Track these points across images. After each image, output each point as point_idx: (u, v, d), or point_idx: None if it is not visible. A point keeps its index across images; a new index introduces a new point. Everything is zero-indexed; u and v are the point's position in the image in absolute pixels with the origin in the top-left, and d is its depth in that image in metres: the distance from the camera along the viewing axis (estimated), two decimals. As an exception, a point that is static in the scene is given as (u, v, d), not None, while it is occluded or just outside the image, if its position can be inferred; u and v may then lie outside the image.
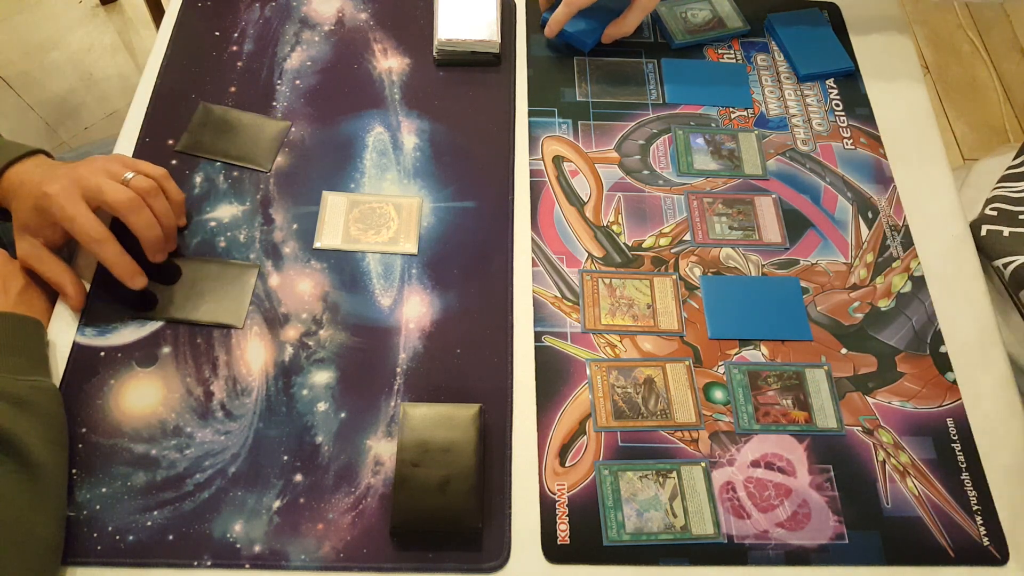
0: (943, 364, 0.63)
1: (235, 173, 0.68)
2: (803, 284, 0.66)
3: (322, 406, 0.58)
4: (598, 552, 0.54)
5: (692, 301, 0.64)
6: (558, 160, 0.71)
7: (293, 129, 0.71)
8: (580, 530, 0.54)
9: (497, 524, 0.54)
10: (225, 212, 0.66)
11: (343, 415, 0.57)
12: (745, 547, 0.54)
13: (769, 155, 0.73)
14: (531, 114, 0.73)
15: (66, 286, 0.59)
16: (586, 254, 0.66)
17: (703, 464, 0.57)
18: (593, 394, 0.59)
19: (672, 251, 0.67)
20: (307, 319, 0.61)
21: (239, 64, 0.74)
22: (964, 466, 0.58)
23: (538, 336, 0.62)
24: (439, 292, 0.63)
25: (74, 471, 0.54)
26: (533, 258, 0.65)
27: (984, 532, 0.56)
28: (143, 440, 0.55)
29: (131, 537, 0.52)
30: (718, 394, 0.60)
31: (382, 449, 0.56)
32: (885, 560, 0.55)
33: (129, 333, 0.59)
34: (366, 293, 0.63)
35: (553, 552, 0.54)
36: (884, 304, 0.65)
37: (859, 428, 0.59)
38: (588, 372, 0.60)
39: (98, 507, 0.53)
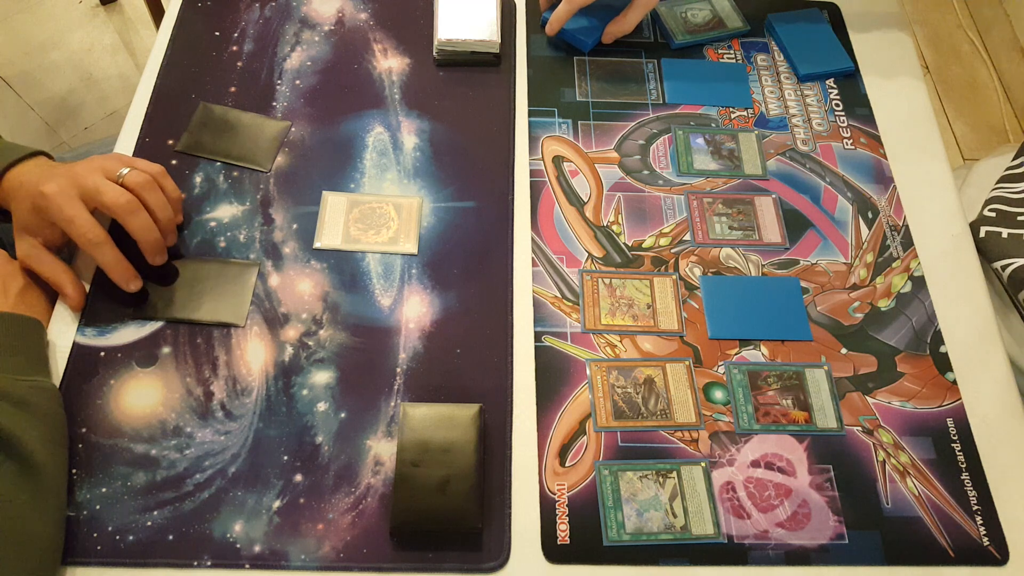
0: (943, 364, 0.63)
1: (235, 173, 0.68)
2: (803, 284, 0.66)
3: (322, 406, 0.58)
4: (598, 552, 0.54)
5: (692, 301, 0.64)
6: (558, 160, 0.71)
7: (293, 129, 0.71)
8: (580, 530, 0.54)
9: (497, 524, 0.54)
10: (225, 212, 0.66)
11: (343, 415, 0.57)
12: (745, 547, 0.54)
13: (769, 155, 0.73)
14: (531, 114, 0.73)
15: (66, 286, 0.59)
16: (586, 254, 0.66)
17: (703, 464, 0.57)
18: (593, 394, 0.59)
19: (672, 251, 0.67)
20: (307, 319, 0.61)
21: (239, 64, 0.74)
22: (964, 466, 0.58)
23: (538, 336, 0.62)
24: (439, 292, 0.63)
25: (74, 471, 0.54)
26: (533, 258, 0.65)
27: (984, 532, 0.56)
28: (143, 440, 0.55)
29: (131, 537, 0.52)
30: (718, 394, 0.60)
31: (382, 449, 0.56)
32: (885, 560, 0.55)
33: (129, 333, 0.59)
34: (366, 293, 0.63)
35: (553, 552, 0.54)
36: (884, 304, 0.65)
37: (859, 428, 0.59)
38: (588, 372, 0.60)
39: (98, 507, 0.53)
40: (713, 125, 0.74)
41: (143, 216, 0.58)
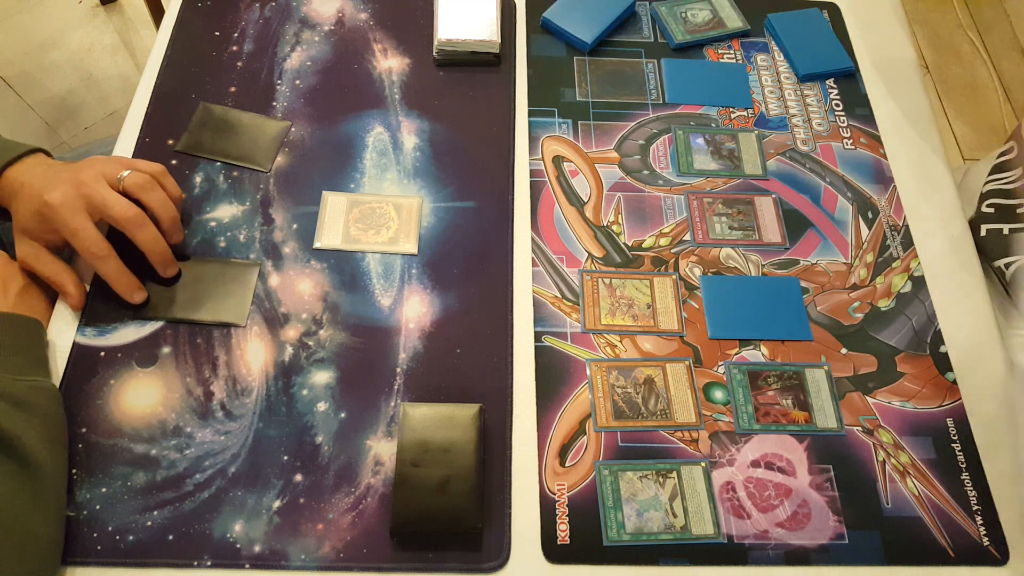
0: (943, 364, 0.63)
1: (235, 173, 0.68)
2: (803, 284, 0.66)
3: (322, 406, 0.58)
4: (598, 552, 0.54)
5: (692, 301, 0.64)
6: (558, 160, 0.71)
7: (293, 129, 0.71)
8: (580, 530, 0.54)
9: (497, 524, 0.54)
10: (225, 212, 0.66)
11: (343, 415, 0.57)
12: (745, 547, 0.54)
13: (769, 155, 0.73)
14: (531, 114, 0.73)
15: (66, 286, 0.59)
16: (586, 254, 0.66)
17: (703, 464, 0.57)
18: (593, 394, 0.59)
19: (672, 251, 0.67)
20: (307, 319, 0.61)
21: (239, 64, 0.74)
22: (964, 466, 0.58)
23: (538, 336, 0.62)
24: (439, 292, 0.63)
25: (74, 471, 0.54)
26: (533, 258, 0.65)
27: (984, 532, 0.56)
28: (143, 440, 0.55)
29: (131, 537, 0.52)
30: (718, 394, 0.60)
31: (382, 449, 0.56)
32: (885, 560, 0.55)
33: (129, 333, 0.59)
34: (366, 293, 0.63)
35: (553, 552, 0.54)
36: (884, 304, 0.65)
37: (859, 428, 0.59)
38: (588, 372, 0.60)
39: (98, 507, 0.53)
40: (713, 125, 0.74)
41: (151, 229, 0.58)
